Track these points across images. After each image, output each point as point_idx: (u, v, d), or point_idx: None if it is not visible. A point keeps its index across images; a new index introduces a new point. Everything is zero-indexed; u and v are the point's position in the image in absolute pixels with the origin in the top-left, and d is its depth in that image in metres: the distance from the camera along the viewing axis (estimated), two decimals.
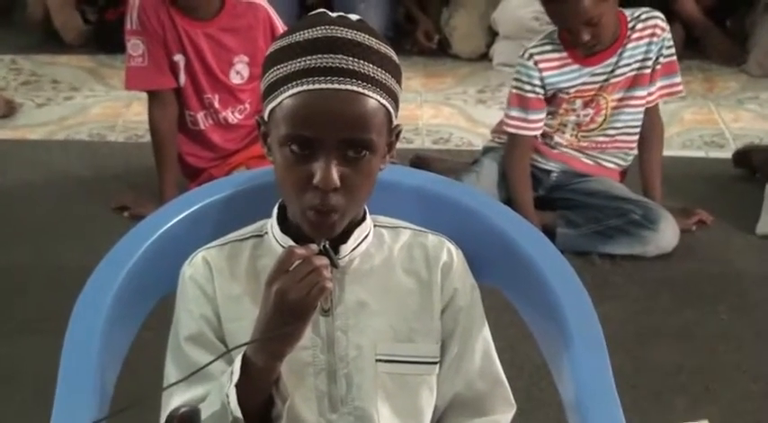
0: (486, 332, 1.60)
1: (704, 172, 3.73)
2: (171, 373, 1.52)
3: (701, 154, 3.90)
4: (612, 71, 3.23)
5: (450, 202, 1.75)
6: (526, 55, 3.24)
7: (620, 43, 3.21)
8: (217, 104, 3.40)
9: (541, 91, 3.24)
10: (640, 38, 3.22)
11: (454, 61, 4.74)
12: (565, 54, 3.22)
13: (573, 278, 1.65)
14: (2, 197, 3.59)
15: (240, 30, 3.35)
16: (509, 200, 3.23)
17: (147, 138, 3.56)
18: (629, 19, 3.22)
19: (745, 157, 3.67)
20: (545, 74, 3.22)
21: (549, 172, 3.38)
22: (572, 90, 3.24)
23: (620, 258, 3.20)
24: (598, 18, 3.08)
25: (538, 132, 3.30)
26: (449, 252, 1.58)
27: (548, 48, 3.24)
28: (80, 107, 4.31)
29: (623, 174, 3.42)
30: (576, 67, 3.23)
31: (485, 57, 4.72)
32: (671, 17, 4.58)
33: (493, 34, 4.71)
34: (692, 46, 4.65)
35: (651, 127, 3.34)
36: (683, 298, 3.04)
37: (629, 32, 3.21)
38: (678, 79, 3.32)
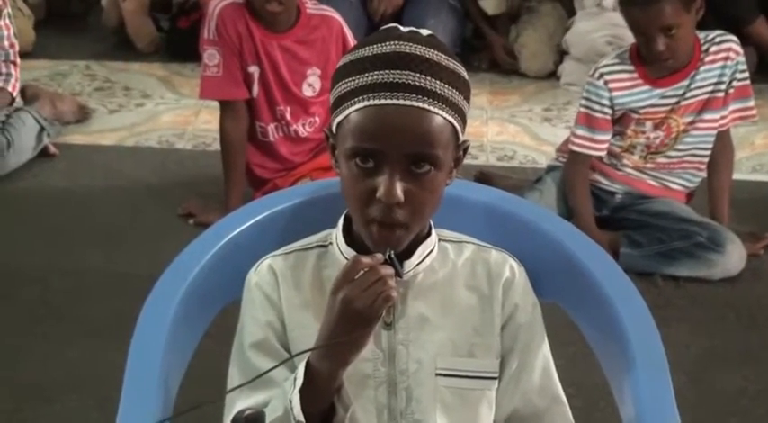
0: (546, 349, 1.60)
1: None
2: (235, 378, 1.53)
3: None
4: (684, 94, 3.20)
5: (514, 219, 1.75)
6: (596, 74, 3.23)
7: (694, 66, 3.18)
8: (288, 117, 3.43)
9: (610, 111, 3.23)
10: (714, 61, 3.19)
11: (521, 79, 4.73)
12: (635, 74, 3.20)
13: (636, 297, 1.64)
14: (73, 201, 3.65)
15: (314, 42, 3.38)
16: (569, 217, 3.21)
17: (215, 146, 3.60)
18: (702, 42, 3.20)
19: None
20: (614, 94, 3.21)
21: (613, 193, 3.37)
22: (641, 111, 3.22)
23: (683, 280, 3.18)
24: (676, 27, 3.05)
25: (602, 153, 3.29)
26: (511, 268, 1.58)
27: (618, 68, 3.22)
28: (150, 114, 4.37)
29: (690, 196, 3.40)
30: (646, 87, 3.21)
31: (552, 75, 4.71)
32: (744, 41, 4.56)
33: (561, 53, 4.70)
34: (764, 70, 4.61)
35: (722, 150, 3.31)
36: (748, 322, 3.01)
37: (702, 55, 3.19)
38: (751, 103, 3.29)
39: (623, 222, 3.34)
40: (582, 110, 3.27)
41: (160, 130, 4.22)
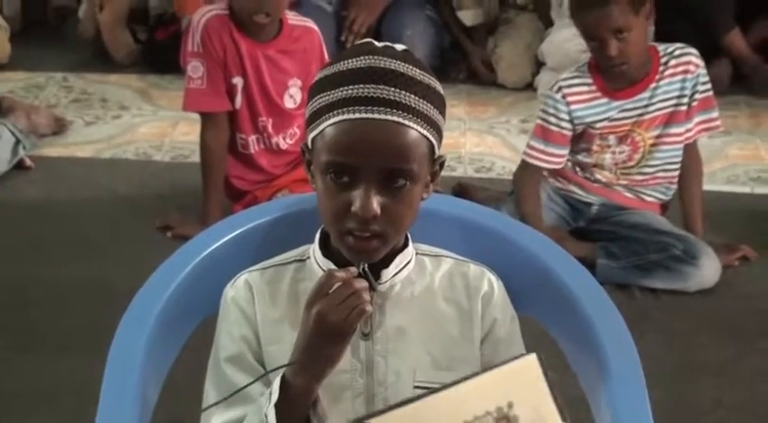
0: None
1: (748, 208, 3.71)
2: (210, 393, 1.54)
3: (746, 190, 3.88)
4: (646, 107, 3.22)
5: (491, 233, 1.76)
6: (555, 87, 3.25)
7: (652, 78, 3.20)
8: (270, 128, 3.42)
9: (568, 125, 3.23)
10: (674, 74, 3.20)
11: (498, 90, 4.74)
12: (594, 87, 3.22)
13: (612, 311, 1.65)
14: (50, 213, 3.64)
15: (296, 53, 3.39)
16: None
17: (193, 158, 3.59)
18: (661, 54, 3.21)
19: None
20: (573, 107, 3.22)
21: (589, 204, 3.38)
22: (600, 124, 3.23)
23: (660, 292, 3.19)
24: (627, 30, 3.05)
25: (553, 166, 3.29)
26: (489, 282, 1.59)
27: (576, 81, 3.24)
28: (128, 126, 4.35)
29: (665, 207, 3.41)
30: (604, 100, 3.22)
31: (529, 86, 4.72)
32: (719, 52, 4.59)
33: (538, 64, 4.71)
34: (739, 81, 4.64)
35: (690, 163, 3.33)
36: (724, 334, 3.02)
37: (661, 68, 3.20)
38: (715, 114, 3.30)
39: (600, 234, 3.35)
40: (538, 122, 3.28)
41: (137, 142, 4.21)
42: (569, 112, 3.22)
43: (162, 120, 4.38)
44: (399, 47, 1.50)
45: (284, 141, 3.46)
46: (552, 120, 3.24)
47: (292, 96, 3.42)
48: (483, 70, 4.77)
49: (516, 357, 1.24)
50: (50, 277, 3.23)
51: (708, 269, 3.17)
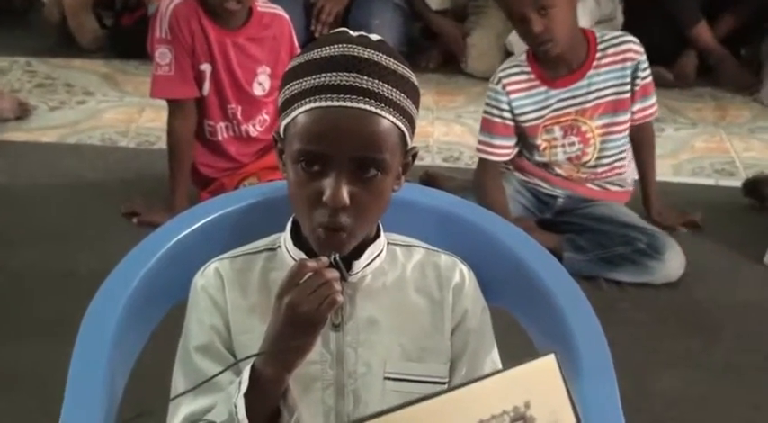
0: (495, 354, 1.61)
1: (713, 200, 3.73)
2: (179, 382, 1.53)
3: (710, 182, 3.90)
4: (585, 95, 3.22)
5: (464, 224, 1.76)
6: (495, 79, 3.26)
7: (589, 66, 3.21)
8: (240, 116, 3.41)
9: (509, 116, 3.24)
10: (613, 62, 3.21)
11: (467, 79, 4.74)
12: (532, 76, 3.23)
13: (584, 303, 1.66)
14: (13, 199, 3.60)
15: (265, 40, 3.38)
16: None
17: (159, 145, 3.57)
18: (598, 41, 3.22)
19: (755, 186, 3.68)
20: (512, 97, 3.23)
21: (555, 197, 3.39)
22: (542, 112, 3.23)
23: (626, 284, 3.20)
24: (549, 7, 3.05)
25: (503, 159, 3.30)
26: (461, 273, 1.59)
27: (515, 70, 3.25)
28: (93, 112, 4.32)
29: (627, 194, 3.42)
30: (543, 88, 3.22)
31: None
32: (686, 45, 4.61)
33: (507, 54, 4.71)
34: (705, 73, 4.66)
35: (641, 138, 3.35)
36: (689, 326, 3.04)
37: (598, 55, 3.21)
38: (652, 101, 3.30)
39: (566, 226, 3.36)
40: (483, 115, 3.30)
41: (103, 127, 4.17)
42: (509, 102, 3.23)
43: (128, 106, 4.35)
44: (374, 37, 1.49)
45: (254, 129, 3.44)
46: (495, 111, 3.25)
47: (261, 84, 3.41)
48: (459, 48, 4.74)
49: (535, 357, 1.22)
50: (13, 264, 3.20)
51: (672, 263, 3.19)
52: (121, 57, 4.75)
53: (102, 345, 1.57)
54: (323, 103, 1.41)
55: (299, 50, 3.27)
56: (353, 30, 1.51)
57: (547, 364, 1.21)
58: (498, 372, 1.22)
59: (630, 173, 3.41)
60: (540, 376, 1.21)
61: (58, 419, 1.50)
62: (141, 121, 4.21)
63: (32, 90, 4.50)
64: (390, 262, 1.57)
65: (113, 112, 4.32)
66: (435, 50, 4.86)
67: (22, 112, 4.21)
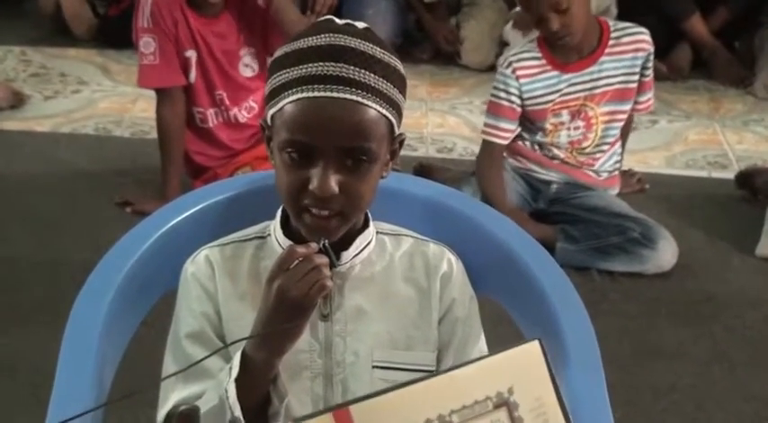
0: (483, 344, 1.61)
1: (706, 192, 3.74)
2: (170, 369, 1.53)
3: (703, 174, 3.91)
4: (595, 80, 3.26)
5: (453, 213, 1.76)
6: (505, 63, 3.29)
7: (601, 52, 3.24)
8: (227, 101, 3.41)
9: (518, 100, 3.27)
10: (625, 52, 3.25)
11: (461, 71, 4.75)
12: (543, 61, 3.25)
13: (572, 294, 1.66)
14: (7, 188, 3.61)
15: (241, 22, 3.37)
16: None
17: (153, 134, 3.57)
18: (612, 29, 3.25)
19: (747, 178, 3.69)
20: (522, 81, 3.25)
21: (549, 183, 3.40)
22: (552, 96, 3.26)
23: (618, 275, 3.22)
24: (567, 4, 3.09)
25: (505, 142, 3.33)
26: (449, 262, 1.59)
27: (526, 55, 3.27)
28: (87, 101, 4.32)
29: (615, 178, 3.46)
30: (554, 73, 3.25)
31: (493, 68, 4.71)
32: (680, 37, 4.62)
33: (501, 45, 4.71)
34: (699, 66, 4.67)
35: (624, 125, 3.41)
36: (680, 317, 3.05)
37: (611, 43, 3.24)
38: (650, 95, 3.36)
39: (559, 216, 3.37)
40: (491, 98, 3.33)
41: (97, 117, 4.18)
42: (519, 87, 3.25)
43: (122, 95, 4.36)
44: (360, 25, 1.49)
45: (242, 114, 3.44)
46: (502, 94, 3.27)
47: (248, 65, 3.41)
48: (447, 46, 4.76)
49: (519, 343, 1.21)
50: (7, 252, 3.21)
51: (665, 253, 3.20)
52: (111, 46, 4.75)
53: (92, 331, 1.57)
54: (309, 94, 1.41)
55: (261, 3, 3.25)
56: (347, 19, 1.51)
57: (531, 350, 1.21)
58: (482, 358, 1.21)
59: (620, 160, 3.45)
60: (525, 362, 1.20)
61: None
62: (135, 110, 4.21)
63: (27, 79, 4.51)
64: (379, 252, 1.57)
65: (107, 101, 4.33)
66: (429, 42, 4.86)
67: (17, 102, 4.21)
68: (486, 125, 3.34)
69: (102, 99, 4.35)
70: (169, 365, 1.54)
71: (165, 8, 3.27)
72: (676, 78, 4.62)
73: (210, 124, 3.43)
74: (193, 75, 3.36)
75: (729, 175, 3.80)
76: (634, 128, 3.55)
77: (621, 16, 4.45)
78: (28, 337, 2.76)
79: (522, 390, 1.19)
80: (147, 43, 3.30)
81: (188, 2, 3.29)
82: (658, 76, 4.30)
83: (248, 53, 3.40)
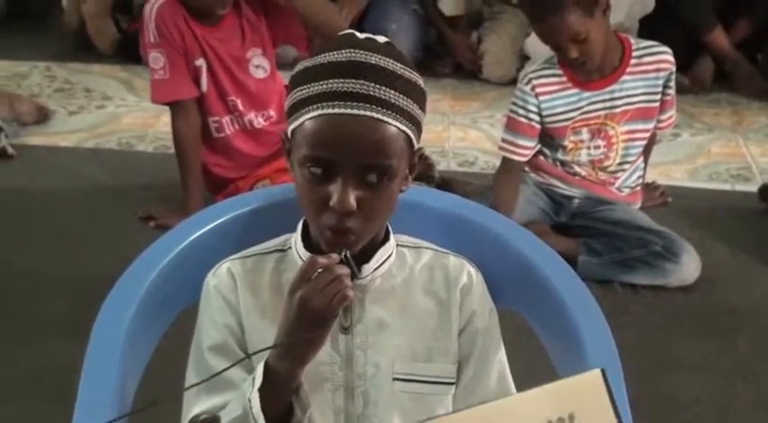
0: (503, 355, 1.61)
1: (729, 205, 3.73)
2: (192, 382, 1.53)
3: (726, 187, 3.90)
4: (616, 99, 3.24)
5: (473, 226, 1.76)
6: (525, 79, 3.28)
7: (623, 71, 3.23)
8: (241, 107, 3.41)
9: (536, 117, 3.26)
10: (647, 71, 3.23)
11: (483, 85, 4.75)
12: (564, 78, 3.24)
13: (593, 306, 1.66)
14: (31, 202, 3.63)
15: (243, 25, 3.37)
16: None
17: None
18: (634, 48, 3.24)
19: None
20: (542, 99, 3.24)
21: (571, 197, 3.40)
22: (572, 114, 3.25)
23: (641, 288, 3.20)
24: (585, 34, 3.08)
25: (523, 159, 3.32)
26: (469, 274, 1.59)
27: (546, 72, 3.26)
28: (111, 116, 4.35)
29: (636, 194, 3.45)
30: (575, 90, 3.24)
31: (514, 81, 4.71)
32: (702, 50, 4.61)
33: (523, 59, 4.72)
34: (721, 79, 4.66)
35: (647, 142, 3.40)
36: (703, 330, 3.04)
37: (633, 61, 3.23)
38: (672, 113, 3.35)
39: (582, 229, 3.36)
40: (509, 114, 3.32)
41: (120, 132, 4.20)
42: (538, 104, 3.24)
43: (145, 110, 4.38)
44: (381, 39, 1.50)
45: (258, 120, 3.44)
46: (521, 111, 3.26)
47: (259, 65, 3.41)
48: (469, 59, 4.76)
49: (582, 373, 1.22)
50: (31, 266, 3.22)
51: (688, 266, 3.19)
52: (134, 62, 4.77)
53: (114, 345, 1.58)
54: (330, 111, 1.42)
55: None
56: (368, 33, 1.51)
57: (593, 379, 1.21)
58: (543, 385, 1.22)
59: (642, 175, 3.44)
60: (586, 390, 1.20)
61: None
62: (158, 125, 4.23)
63: (52, 94, 4.54)
64: (399, 264, 1.58)
65: (131, 116, 4.35)
66: (450, 56, 4.86)
67: (42, 117, 4.24)
68: (503, 140, 3.33)
69: (125, 114, 4.37)
70: (192, 378, 1.54)
71: (170, 20, 3.28)
72: (699, 91, 4.61)
73: (227, 132, 3.43)
74: (205, 83, 3.36)
75: (753, 187, 3.78)
76: (657, 140, 3.53)
77: (643, 29, 4.46)
78: (51, 351, 2.77)
79: (583, 417, 1.19)
80: (156, 58, 3.32)
81: (189, 12, 3.30)
82: (681, 90, 4.29)
83: (256, 54, 3.40)
